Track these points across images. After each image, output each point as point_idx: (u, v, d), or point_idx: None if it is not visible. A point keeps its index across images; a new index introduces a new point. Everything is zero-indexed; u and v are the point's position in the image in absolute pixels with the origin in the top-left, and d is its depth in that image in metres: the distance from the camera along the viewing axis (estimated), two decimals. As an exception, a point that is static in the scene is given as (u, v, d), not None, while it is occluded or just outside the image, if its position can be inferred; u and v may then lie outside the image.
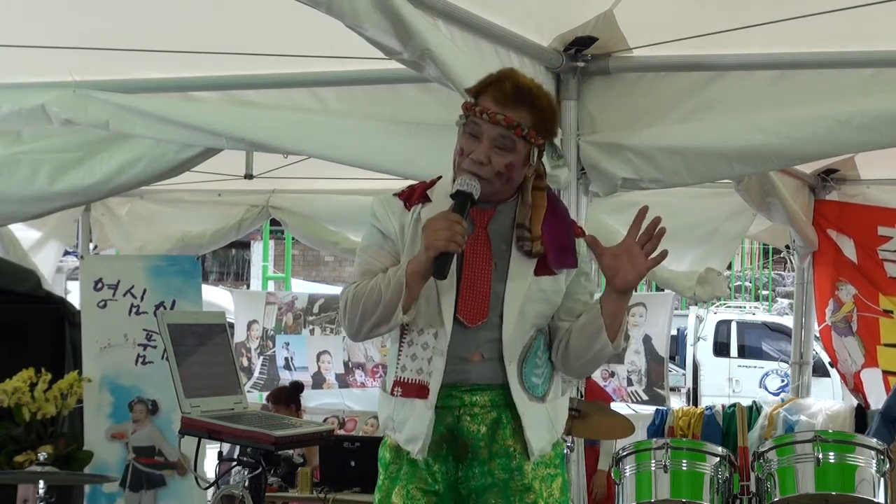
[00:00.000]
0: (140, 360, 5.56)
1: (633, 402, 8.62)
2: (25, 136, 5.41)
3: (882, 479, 4.80)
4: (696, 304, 21.08)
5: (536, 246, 3.05)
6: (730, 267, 25.44)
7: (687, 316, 19.16)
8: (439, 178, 3.17)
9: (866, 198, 7.37)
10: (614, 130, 4.60)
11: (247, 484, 3.49)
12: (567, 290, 3.14)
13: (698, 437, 7.14)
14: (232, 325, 8.30)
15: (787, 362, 11.48)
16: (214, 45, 4.54)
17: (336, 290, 15.88)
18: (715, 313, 19.84)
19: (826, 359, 9.53)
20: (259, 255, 20.60)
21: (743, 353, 18.76)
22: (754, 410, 7.38)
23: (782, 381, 16.79)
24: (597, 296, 3.19)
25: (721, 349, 18.74)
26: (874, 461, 4.82)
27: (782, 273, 28.01)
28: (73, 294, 6.87)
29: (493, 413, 3.07)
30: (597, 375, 8.48)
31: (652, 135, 4.54)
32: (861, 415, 7.25)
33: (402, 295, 2.96)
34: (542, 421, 3.12)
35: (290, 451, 6.71)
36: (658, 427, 7.54)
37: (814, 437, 4.88)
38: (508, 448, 3.08)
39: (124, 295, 5.59)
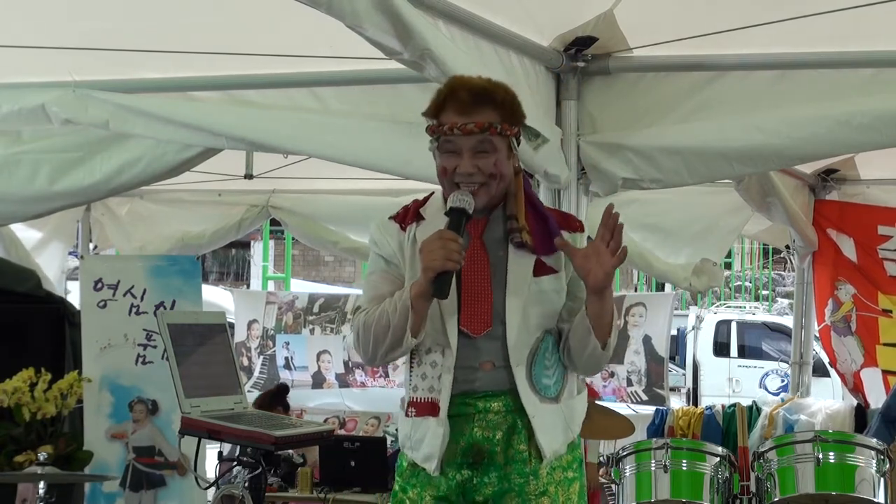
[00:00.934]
0: (140, 360, 5.56)
1: (632, 402, 8.62)
2: (25, 136, 5.41)
3: (882, 479, 4.81)
4: (697, 303, 21.11)
5: (524, 236, 3.06)
6: (730, 267, 25.51)
7: (687, 316, 19.17)
8: (431, 194, 3.19)
9: (866, 197, 7.37)
10: (614, 130, 4.60)
11: (247, 484, 3.49)
12: (568, 289, 3.15)
13: (698, 437, 7.14)
14: (232, 325, 8.29)
15: (787, 362, 11.48)
16: (214, 45, 4.54)
17: (336, 289, 15.90)
18: (715, 313, 19.86)
19: (826, 359, 9.51)
20: (259, 255, 20.61)
21: (743, 353, 18.77)
22: (754, 410, 7.38)
23: (782, 381, 16.79)
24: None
25: (721, 349, 18.75)
26: (874, 461, 4.83)
27: (782, 273, 28.03)
28: (73, 294, 6.87)
29: (507, 418, 3.08)
30: (596, 375, 8.49)
31: (652, 135, 4.54)
32: (861, 415, 7.25)
33: (409, 318, 2.97)
34: (556, 422, 3.12)
35: (290, 451, 6.71)
36: (658, 427, 7.54)
37: (814, 437, 4.89)
38: (523, 453, 3.09)
39: (124, 295, 5.59)
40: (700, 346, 18.52)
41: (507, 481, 3.09)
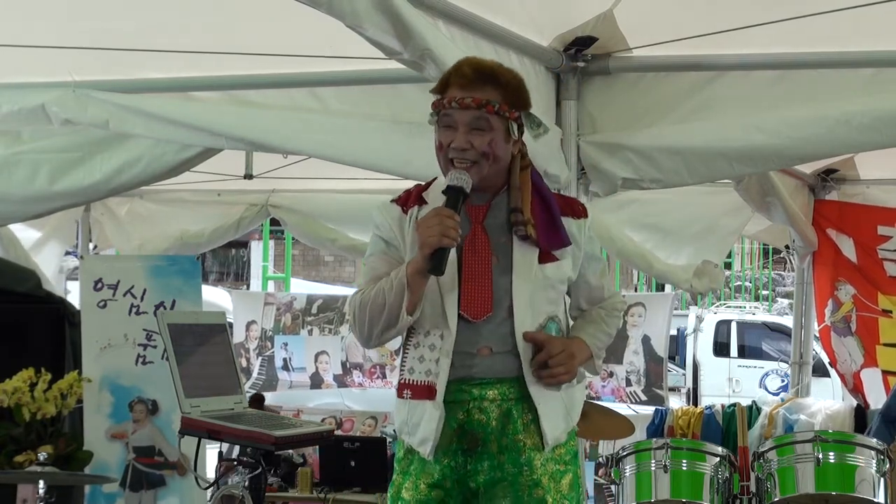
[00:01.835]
0: (140, 360, 5.55)
1: (631, 402, 8.62)
2: (25, 136, 5.41)
3: (882, 479, 4.81)
4: (696, 304, 21.11)
5: (529, 230, 3.06)
6: (730, 267, 25.52)
7: (687, 316, 19.18)
8: (434, 179, 3.20)
9: (866, 197, 7.37)
10: (614, 130, 4.60)
11: (247, 484, 3.49)
12: (581, 266, 3.19)
13: (698, 436, 7.14)
14: (231, 326, 8.29)
15: (787, 362, 11.47)
16: (214, 45, 4.54)
17: (336, 290, 15.89)
18: (715, 313, 19.86)
19: (826, 359, 9.52)
20: (259, 255, 20.62)
21: (743, 353, 18.77)
22: (754, 410, 7.38)
23: (782, 381, 16.79)
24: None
25: (721, 349, 18.75)
26: (874, 461, 4.82)
27: (782, 273, 28.05)
28: (73, 294, 6.87)
29: (503, 406, 3.09)
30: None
31: (652, 135, 4.54)
32: (861, 415, 7.25)
33: (405, 296, 2.97)
34: (558, 410, 3.14)
35: (290, 451, 6.71)
36: (658, 427, 7.53)
37: (814, 437, 4.89)
38: (518, 442, 3.10)
39: (124, 295, 5.58)
40: (700, 346, 18.53)
41: (501, 470, 3.10)
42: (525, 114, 3.12)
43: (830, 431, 5.53)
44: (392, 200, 3.19)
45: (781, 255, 10.61)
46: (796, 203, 6.99)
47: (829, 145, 4.46)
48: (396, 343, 3.29)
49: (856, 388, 7.61)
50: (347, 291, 13.09)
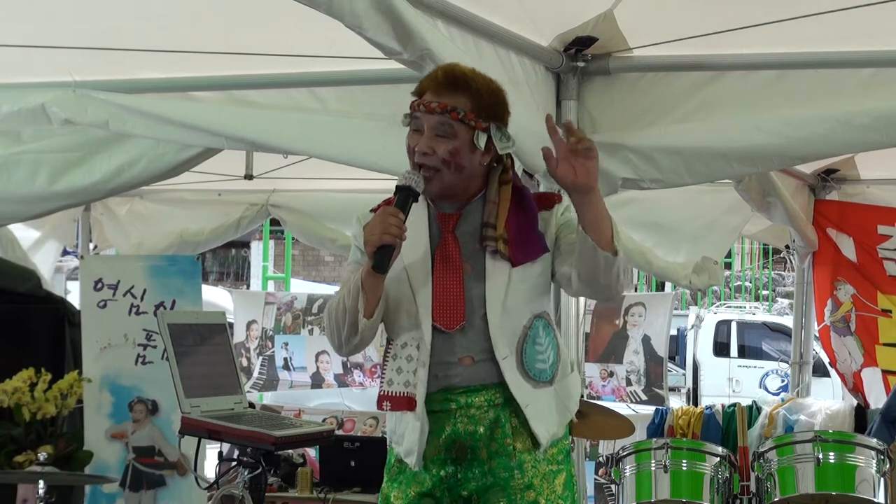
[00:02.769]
0: (140, 360, 5.55)
1: (631, 402, 8.61)
2: (25, 136, 5.41)
3: (882, 479, 4.81)
4: (697, 303, 21.11)
5: (500, 245, 3.04)
6: (730, 267, 25.52)
7: (687, 316, 19.18)
8: None
9: (866, 197, 7.37)
10: (614, 130, 4.60)
11: (247, 484, 3.49)
12: (558, 232, 3.14)
13: (698, 436, 7.14)
14: (231, 325, 8.29)
15: (787, 362, 11.47)
16: (214, 45, 4.54)
17: (335, 290, 15.85)
18: (715, 313, 19.87)
19: (826, 359, 9.52)
20: (259, 255, 20.60)
21: (743, 353, 18.78)
22: (754, 410, 7.38)
23: (782, 381, 16.79)
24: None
25: (721, 349, 18.75)
26: (874, 461, 4.83)
27: (782, 273, 28.05)
28: (73, 294, 6.87)
29: (490, 413, 3.08)
30: (595, 374, 8.49)
31: (652, 135, 4.54)
32: (861, 415, 7.25)
33: (360, 299, 2.97)
34: (551, 405, 3.12)
35: (290, 451, 6.71)
36: (658, 427, 7.53)
37: (814, 437, 4.89)
38: (508, 447, 3.08)
39: (124, 295, 5.59)
40: (700, 346, 18.53)
41: (492, 475, 3.09)
42: (495, 125, 3.05)
43: (830, 431, 5.53)
44: (371, 210, 3.17)
45: (781, 255, 10.61)
46: (797, 203, 6.99)
47: (829, 145, 4.46)
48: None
49: (856, 388, 7.61)
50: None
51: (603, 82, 4.63)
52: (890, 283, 7.34)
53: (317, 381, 9.93)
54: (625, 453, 5.10)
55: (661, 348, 8.39)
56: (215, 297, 13.31)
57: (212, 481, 3.93)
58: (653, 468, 4.95)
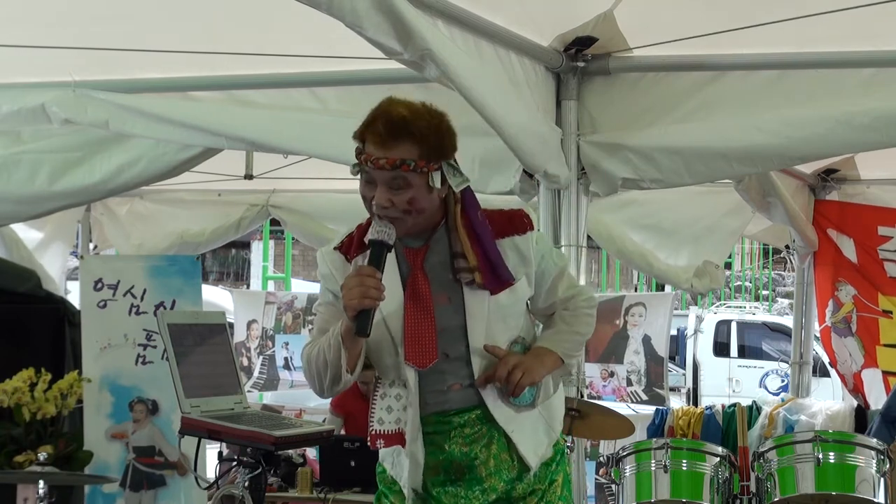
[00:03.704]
0: (140, 360, 5.55)
1: (632, 402, 8.62)
2: (25, 136, 5.41)
3: (882, 479, 4.81)
4: (697, 304, 21.12)
5: (477, 277, 3.00)
6: (730, 267, 25.53)
7: (687, 316, 19.19)
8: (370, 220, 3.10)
9: (866, 198, 7.37)
10: (614, 130, 4.60)
11: (247, 484, 3.48)
12: (536, 281, 3.14)
13: (698, 436, 7.14)
14: (232, 325, 8.29)
15: (787, 362, 11.48)
16: (214, 45, 4.54)
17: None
18: (715, 313, 19.87)
19: (826, 359, 9.53)
20: (259, 255, 20.60)
21: (743, 353, 18.78)
22: (754, 410, 7.38)
23: (782, 381, 16.80)
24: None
25: (721, 349, 18.76)
26: (874, 461, 4.82)
27: (782, 273, 28.07)
28: (73, 294, 6.87)
29: (482, 430, 3.09)
30: (596, 374, 8.50)
31: (652, 135, 4.54)
32: (861, 415, 7.25)
33: (343, 356, 2.95)
34: (537, 427, 3.14)
35: (290, 451, 6.71)
36: (658, 427, 7.54)
37: (814, 437, 4.89)
38: (504, 461, 3.10)
39: (124, 295, 5.58)
40: (700, 346, 18.53)
41: (494, 491, 3.10)
42: (446, 164, 2.95)
43: (830, 431, 5.52)
44: (335, 247, 3.12)
45: (781, 255, 10.61)
46: (797, 203, 6.99)
47: (829, 145, 4.46)
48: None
49: (856, 389, 7.61)
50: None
51: (603, 82, 4.63)
52: (890, 285, 7.34)
53: (317, 381, 9.91)
54: (625, 453, 5.10)
55: (662, 348, 8.39)
56: (215, 297, 13.31)
57: (212, 481, 3.93)
58: (653, 468, 4.95)
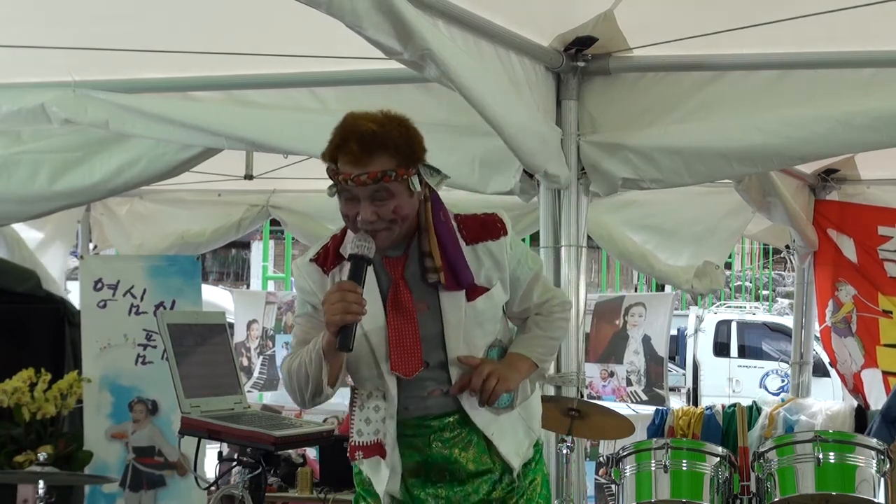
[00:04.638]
0: (140, 360, 5.56)
1: (632, 402, 8.61)
2: (25, 136, 5.41)
3: (882, 480, 4.80)
4: (697, 304, 21.12)
5: (441, 276, 3.02)
6: (730, 267, 25.54)
7: (687, 316, 19.18)
8: (346, 230, 3.13)
9: (866, 198, 7.37)
10: (614, 130, 4.60)
11: (247, 484, 3.48)
12: (511, 286, 3.15)
13: (698, 437, 7.13)
14: (232, 325, 8.28)
15: (787, 362, 11.48)
16: (214, 45, 4.54)
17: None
18: (715, 313, 19.87)
19: (826, 359, 9.52)
20: (259, 255, 20.61)
21: (743, 353, 18.78)
22: (754, 410, 7.38)
23: (782, 381, 16.80)
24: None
25: (721, 349, 18.76)
26: (874, 461, 4.82)
27: (782, 273, 28.07)
28: (73, 294, 6.87)
29: (461, 434, 3.12)
30: (595, 374, 8.49)
31: (652, 135, 4.54)
32: (861, 415, 7.25)
33: (324, 370, 2.97)
34: (516, 427, 3.17)
35: (290, 451, 6.71)
36: (658, 427, 7.53)
37: (814, 437, 4.88)
38: (484, 463, 3.13)
39: (124, 295, 5.59)
40: (700, 346, 18.52)
41: (476, 493, 3.13)
42: (423, 166, 3.01)
43: (830, 431, 5.52)
44: (311, 259, 3.14)
45: (781, 255, 10.60)
46: (797, 203, 6.99)
47: (829, 145, 4.46)
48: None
49: (856, 389, 7.61)
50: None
51: (603, 82, 4.63)
52: (890, 285, 7.34)
53: (317, 381, 9.91)
54: (625, 453, 5.09)
55: (662, 348, 8.39)
56: (215, 297, 13.31)
57: (212, 481, 3.93)
58: (653, 468, 4.94)
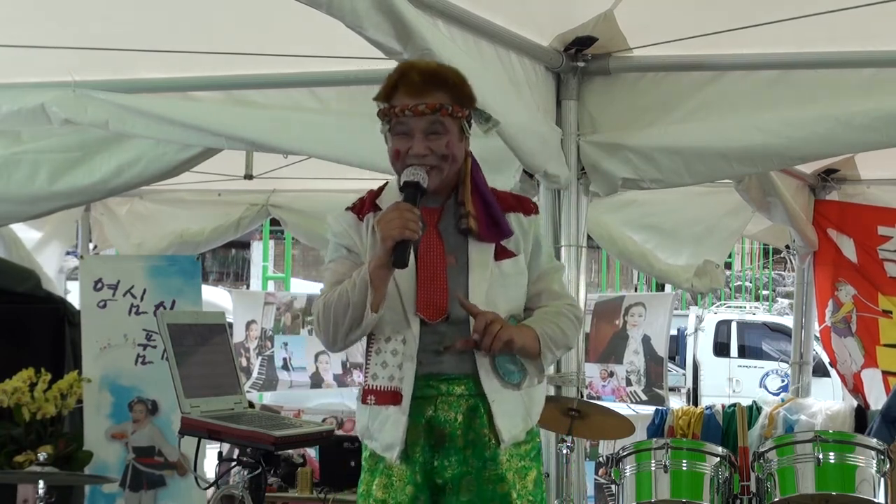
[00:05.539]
0: (140, 360, 5.55)
1: (631, 402, 8.61)
2: (25, 136, 5.41)
3: (882, 479, 4.80)
4: (697, 303, 21.12)
5: (471, 222, 3.08)
6: (730, 267, 25.53)
7: (687, 316, 19.18)
8: (385, 184, 3.21)
9: (866, 198, 7.37)
10: (614, 130, 4.61)
11: (247, 484, 3.49)
12: (529, 266, 3.17)
13: (698, 436, 7.13)
14: (231, 325, 8.28)
15: (787, 362, 11.47)
16: (214, 45, 4.54)
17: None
18: (715, 313, 19.87)
19: (826, 359, 9.53)
20: (259, 255, 20.60)
21: (743, 353, 18.79)
22: (754, 410, 7.38)
23: (782, 381, 16.80)
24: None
25: (721, 349, 18.76)
26: (874, 461, 4.82)
27: (782, 273, 28.07)
28: (73, 294, 6.87)
29: (469, 401, 3.10)
30: (595, 374, 8.49)
31: (652, 135, 4.54)
32: (861, 415, 7.25)
33: (369, 293, 2.97)
34: (517, 408, 3.15)
35: (290, 451, 6.71)
36: (658, 427, 7.53)
37: (814, 437, 4.88)
38: (484, 437, 3.11)
39: (124, 295, 5.58)
40: (700, 346, 18.52)
41: (466, 464, 3.11)
42: (473, 110, 3.13)
43: (830, 431, 5.52)
44: (347, 208, 3.18)
45: (781, 255, 10.61)
46: (797, 203, 7.00)
47: (829, 145, 4.47)
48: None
49: (856, 389, 7.61)
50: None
51: (603, 82, 4.63)
52: (890, 285, 7.34)
53: (316, 382, 9.92)
54: (625, 453, 5.10)
55: (662, 348, 8.38)
56: (215, 297, 13.30)
57: (212, 481, 3.93)
58: (653, 468, 4.95)
